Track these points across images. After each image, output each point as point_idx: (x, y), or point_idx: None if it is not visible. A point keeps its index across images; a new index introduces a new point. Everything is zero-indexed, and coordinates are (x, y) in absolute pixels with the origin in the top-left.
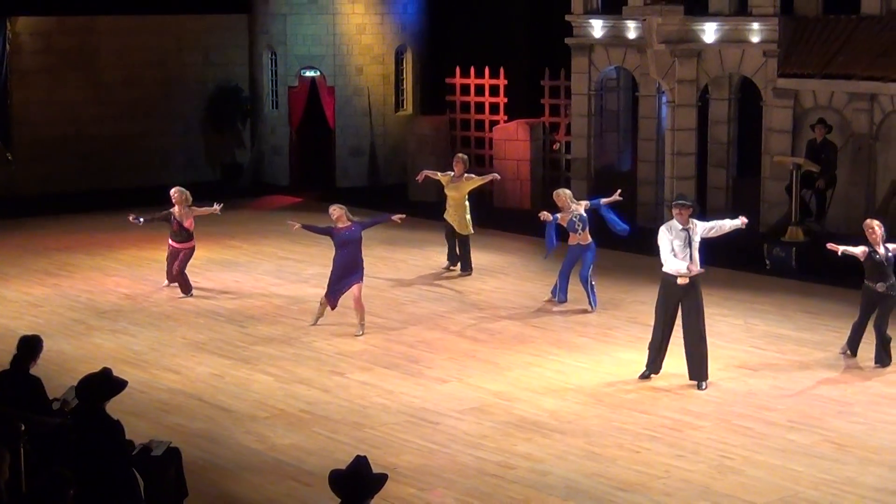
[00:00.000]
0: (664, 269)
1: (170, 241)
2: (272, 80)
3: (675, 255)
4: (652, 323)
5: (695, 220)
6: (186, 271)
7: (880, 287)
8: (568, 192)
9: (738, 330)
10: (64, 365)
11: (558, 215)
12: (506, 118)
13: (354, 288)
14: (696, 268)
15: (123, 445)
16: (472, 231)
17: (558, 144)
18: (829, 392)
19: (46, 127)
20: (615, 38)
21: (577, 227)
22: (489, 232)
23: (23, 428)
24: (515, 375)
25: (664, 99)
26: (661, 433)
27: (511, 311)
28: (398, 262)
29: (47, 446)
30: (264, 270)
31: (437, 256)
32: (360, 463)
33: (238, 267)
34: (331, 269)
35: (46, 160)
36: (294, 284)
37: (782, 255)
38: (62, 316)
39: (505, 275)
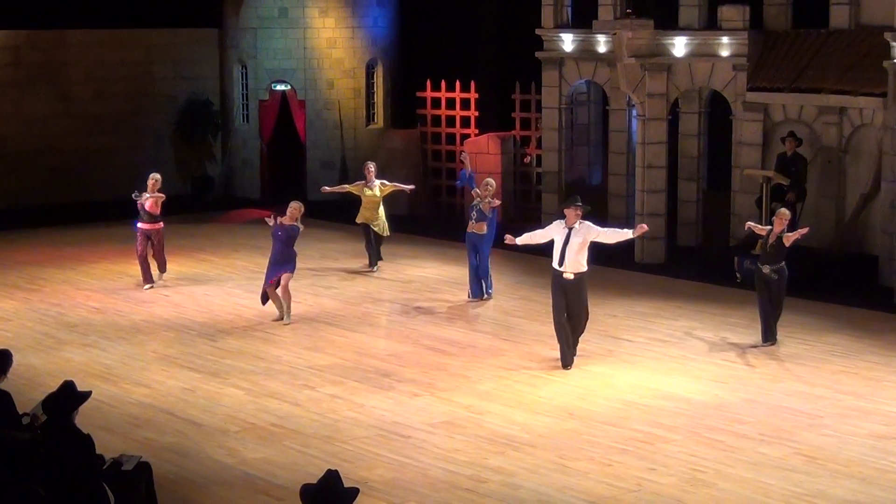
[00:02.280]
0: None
1: (140, 226)
2: (243, 94)
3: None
4: (622, 336)
5: (588, 223)
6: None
7: (765, 269)
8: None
9: (708, 343)
10: (34, 379)
11: (466, 171)
12: (477, 131)
13: (283, 277)
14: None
15: (94, 460)
16: (389, 234)
17: (529, 158)
18: (799, 405)
19: (16, 140)
20: (585, 52)
21: (473, 216)
22: (461, 246)
23: None
24: (486, 389)
25: (634, 112)
26: (632, 446)
27: (482, 325)
28: (369, 275)
29: (17, 461)
30: (235, 284)
31: (409, 269)
32: (332, 477)
33: (209, 280)
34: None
35: (16, 174)
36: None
37: (753, 268)
38: (32, 330)
39: None
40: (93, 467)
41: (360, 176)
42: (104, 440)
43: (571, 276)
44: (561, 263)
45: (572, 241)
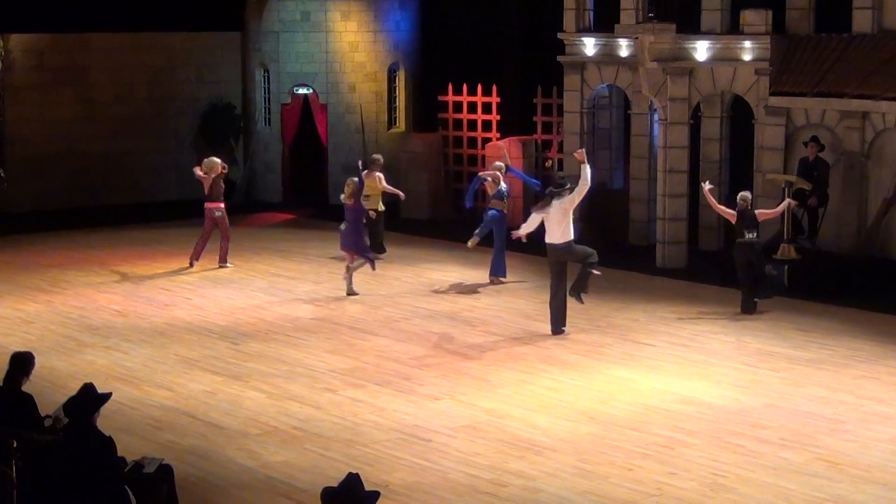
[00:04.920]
0: (546, 239)
1: (211, 205)
2: (265, 98)
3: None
4: (644, 340)
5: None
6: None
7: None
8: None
9: (730, 347)
10: (56, 382)
11: (487, 178)
12: (498, 135)
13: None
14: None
15: (115, 462)
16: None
17: (551, 162)
18: (821, 410)
19: (38, 144)
20: (607, 56)
21: (504, 195)
22: (482, 249)
23: (15, 445)
24: (508, 393)
25: (656, 117)
26: (653, 451)
27: (503, 328)
28: (390, 279)
29: (39, 463)
30: (257, 287)
31: (430, 273)
32: (353, 480)
33: (231, 284)
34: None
35: (38, 177)
36: (286, 302)
37: (774, 272)
38: (54, 332)
39: (497, 292)
40: (114, 469)
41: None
42: (126, 443)
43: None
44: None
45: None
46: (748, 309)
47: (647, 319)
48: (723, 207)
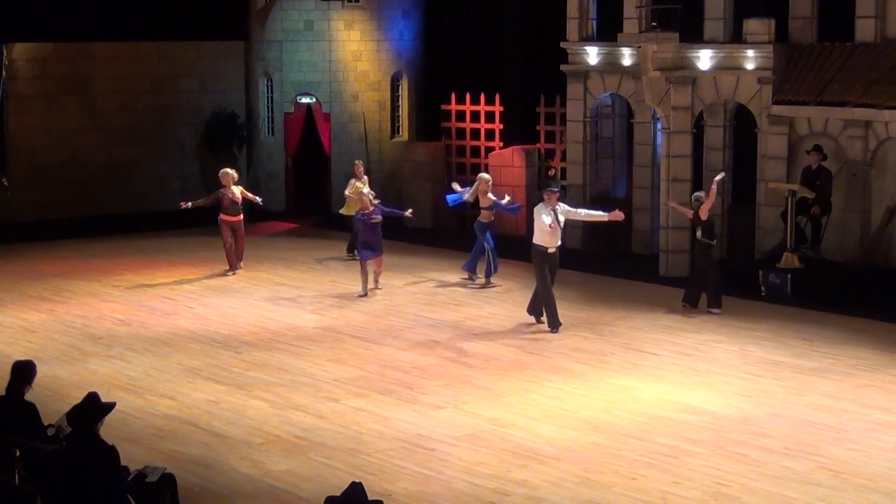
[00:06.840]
0: (535, 240)
1: (225, 217)
2: (268, 107)
3: (549, 229)
4: (647, 349)
5: (561, 203)
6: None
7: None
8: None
9: (733, 356)
10: (59, 391)
11: (467, 195)
12: (501, 144)
13: (376, 261)
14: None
15: (118, 471)
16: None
17: (554, 171)
18: (824, 419)
19: (42, 153)
20: (610, 65)
21: (492, 209)
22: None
23: (17, 454)
24: (511, 402)
25: (659, 125)
26: (657, 460)
27: (506, 337)
28: (393, 288)
29: (42, 472)
30: (260, 296)
31: (433, 282)
32: (356, 489)
33: (234, 293)
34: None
35: (42, 186)
36: (289, 310)
37: (778, 281)
38: (57, 342)
39: (500, 301)
40: (117, 479)
41: (387, 188)
42: (129, 452)
43: (556, 250)
44: (555, 240)
45: (560, 219)
46: (689, 301)
47: (649, 328)
48: (681, 209)
